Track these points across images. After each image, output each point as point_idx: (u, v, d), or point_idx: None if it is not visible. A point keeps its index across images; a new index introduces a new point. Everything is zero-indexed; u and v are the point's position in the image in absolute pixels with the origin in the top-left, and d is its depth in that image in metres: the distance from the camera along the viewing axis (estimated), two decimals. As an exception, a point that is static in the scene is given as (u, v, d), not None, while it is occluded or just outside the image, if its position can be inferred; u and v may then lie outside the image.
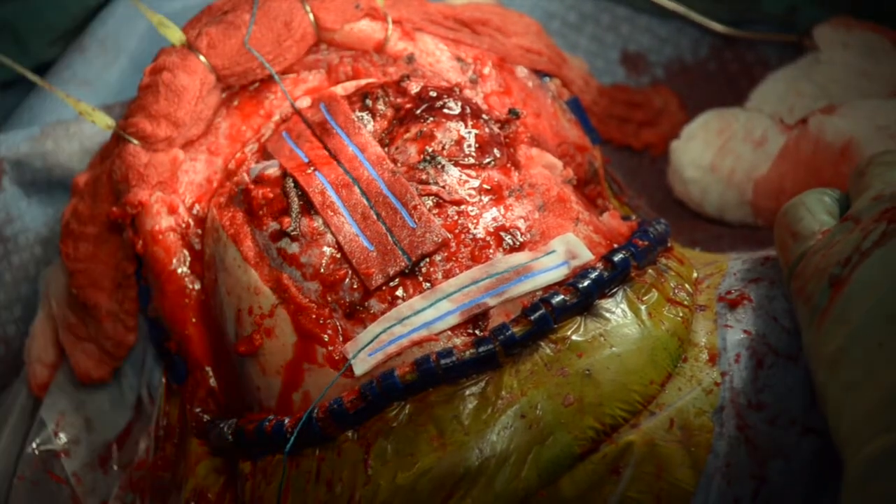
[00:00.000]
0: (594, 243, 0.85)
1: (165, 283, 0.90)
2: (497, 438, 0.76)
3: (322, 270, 0.82)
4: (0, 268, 1.04)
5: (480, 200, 0.84)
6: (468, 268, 0.81)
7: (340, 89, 0.93)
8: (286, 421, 0.80)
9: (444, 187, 0.85)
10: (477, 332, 0.80)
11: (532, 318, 0.78)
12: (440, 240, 0.82)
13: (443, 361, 0.77)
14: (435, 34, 1.00)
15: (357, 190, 0.86)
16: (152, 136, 0.92)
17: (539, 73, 1.02)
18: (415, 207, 0.84)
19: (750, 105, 1.13)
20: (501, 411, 0.76)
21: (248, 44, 0.93)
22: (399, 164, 0.86)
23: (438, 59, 0.98)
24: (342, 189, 0.86)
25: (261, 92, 0.96)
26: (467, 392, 0.77)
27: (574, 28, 1.21)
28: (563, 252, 0.82)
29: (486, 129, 0.88)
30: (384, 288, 0.81)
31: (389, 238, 0.83)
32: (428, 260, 0.82)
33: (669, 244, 0.88)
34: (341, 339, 0.81)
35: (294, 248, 0.84)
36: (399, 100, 0.90)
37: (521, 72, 1.00)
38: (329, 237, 0.84)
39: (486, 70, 0.98)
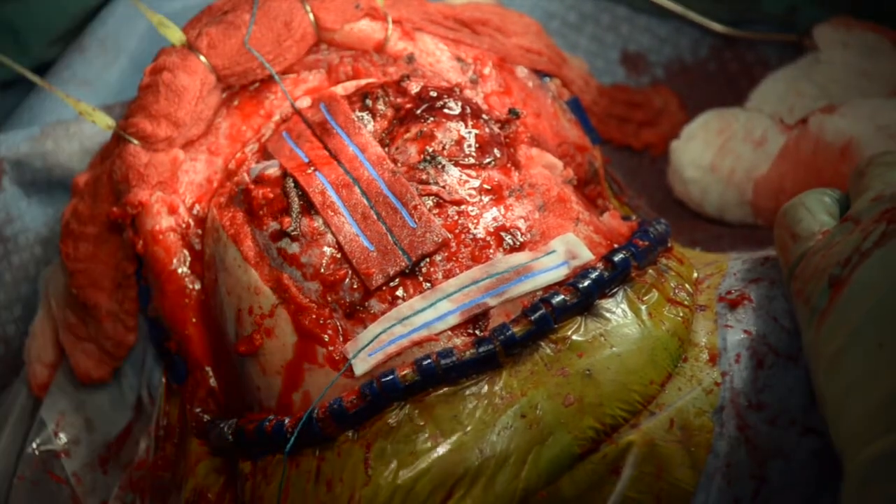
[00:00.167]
0: (594, 243, 0.85)
1: (165, 283, 0.90)
2: (497, 438, 0.76)
3: (322, 270, 0.82)
4: (0, 268, 1.04)
5: (481, 200, 0.84)
6: (468, 268, 0.81)
7: (340, 89, 0.93)
8: (286, 421, 0.80)
9: (444, 187, 0.84)
10: (477, 332, 0.80)
11: (532, 318, 0.78)
12: (440, 240, 0.82)
13: (443, 361, 0.77)
14: (435, 34, 0.99)
15: (357, 190, 0.86)
16: (152, 136, 0.92)
17: (539, 73, 1.02)
18: (415, 207, 0.84)
19: (750, 105, 1.13)
20: (501, 411, 0.76)
21: (248, 44, 0.93)
22: (399, 164, 0.86)
23: (438, 59, 0.98)
24: (342, 189, 0.86)
25: (261, 92, 0.96)
26: (467, 392, 0.77)
27: (574, 28, 1.21)
28: (564, 252, 0.82)
29: (487, 129, 0.88)
30: (384, 288, 0.81)
31: (389, 238, 0.83)
32: (428, 260, 0.82)
33: (670, 244, 0.88)
34: (341, 339, 0.81)
35: (294, 248, 0.84)
36: (399, 100, 0.90)
37: (521, 72, 1.00)
38: (329, 237, 0.84)
39: (487, 70, 0.98)
